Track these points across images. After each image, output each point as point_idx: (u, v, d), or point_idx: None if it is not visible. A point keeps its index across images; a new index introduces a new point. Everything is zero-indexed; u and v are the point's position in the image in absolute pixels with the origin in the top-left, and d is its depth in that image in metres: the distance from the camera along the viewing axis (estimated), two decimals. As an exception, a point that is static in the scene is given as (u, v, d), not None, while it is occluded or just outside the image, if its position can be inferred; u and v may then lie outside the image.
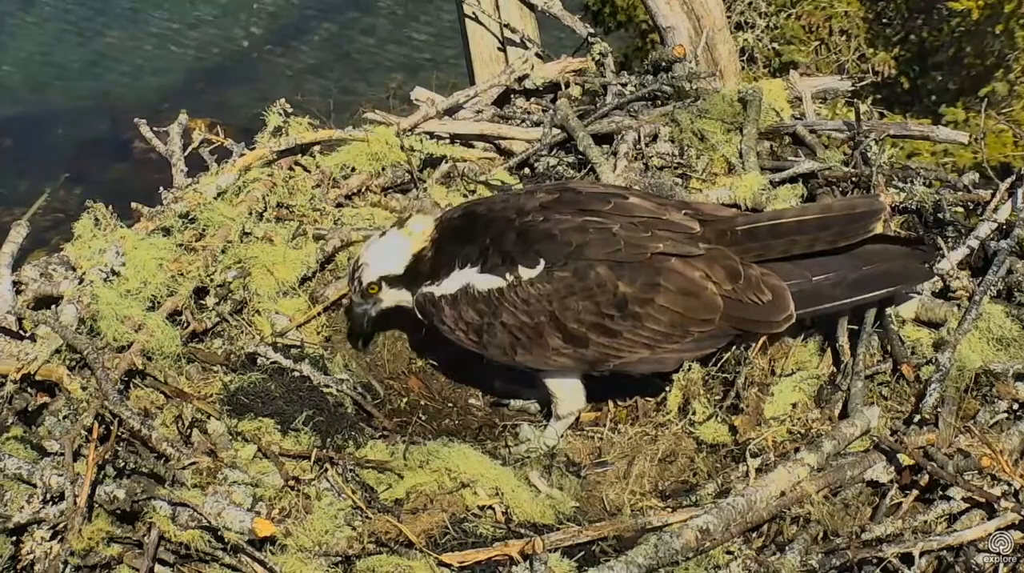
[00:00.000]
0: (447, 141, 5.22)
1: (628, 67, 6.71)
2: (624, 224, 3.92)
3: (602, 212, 3.97)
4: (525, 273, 3.91)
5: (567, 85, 5.59)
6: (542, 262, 3.90)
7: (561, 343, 3.93)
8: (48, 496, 3.38)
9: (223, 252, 4.39)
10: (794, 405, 3.88)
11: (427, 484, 3.62)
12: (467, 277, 3.98)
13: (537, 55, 5.94)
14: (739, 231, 3.98)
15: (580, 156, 5.10)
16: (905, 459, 3.53)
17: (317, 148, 5.06)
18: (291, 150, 4.94)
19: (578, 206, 4.00)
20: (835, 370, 3.95)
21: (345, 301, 4.49)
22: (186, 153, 5.06)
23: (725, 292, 3.87)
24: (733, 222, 4.02)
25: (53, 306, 4.16)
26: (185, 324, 4.17)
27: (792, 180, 4.83)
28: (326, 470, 3.60)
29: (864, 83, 6.98)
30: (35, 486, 3.42)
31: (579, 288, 3.87)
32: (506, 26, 6.11)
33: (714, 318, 3.88)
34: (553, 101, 5.56)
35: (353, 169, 4.96)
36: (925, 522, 3.45)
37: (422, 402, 4.42)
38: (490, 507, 3.58)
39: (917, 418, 3.67)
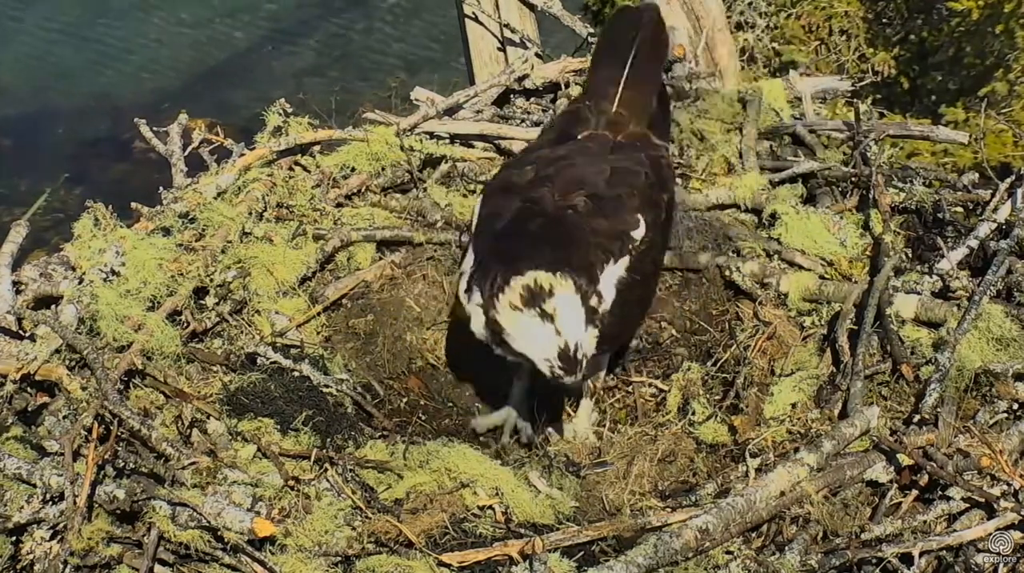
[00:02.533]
0: (447, 141, 5.21)
1: (628, 67, 6.69)
2: (593, 158, 4.14)
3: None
4: (637, 235, 3.92)
5: (567, 85, 5.58)
6: (640, 219, 3.93)
7: (656, 270, 4.18)
8: (48, 496, 3.38)
9: (223, 252, 4.39)
10: (794, 405, 3.87)
11: (427, 484, 3.62)
12: (610, 278, 3.81)
13: (537, 55, 5.93)
14: (611, 112, 4.33)
15: (580, 156, 5.09)
16: (905, 459, 3.53)
17: (317, 148, 5.06)
18: (291, 150, 4.94)
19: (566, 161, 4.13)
20: (835, 370, 3.95)
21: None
22: (186, 153, 5.06)
23: (662, 154, 4.31)
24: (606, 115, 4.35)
25: (53, 306, 4.15)
26: (185, 324, 4.16)
27: (792, 180, 4.82)
28: (326, 470, 3.59)
29: (864, 83, 6.95)
30: (35, 486, 3.42)
31: (653, 205, 4.05)
32: (506, 26, 6.11)
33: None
34: (553, 101, 5.55)
35: (353, 169, 4.95)
36: (925, 522, 3.44)
37: (422, 402, 4.41)
38: (490, 507, 3.57)
39: (917, 418, 3.66)
